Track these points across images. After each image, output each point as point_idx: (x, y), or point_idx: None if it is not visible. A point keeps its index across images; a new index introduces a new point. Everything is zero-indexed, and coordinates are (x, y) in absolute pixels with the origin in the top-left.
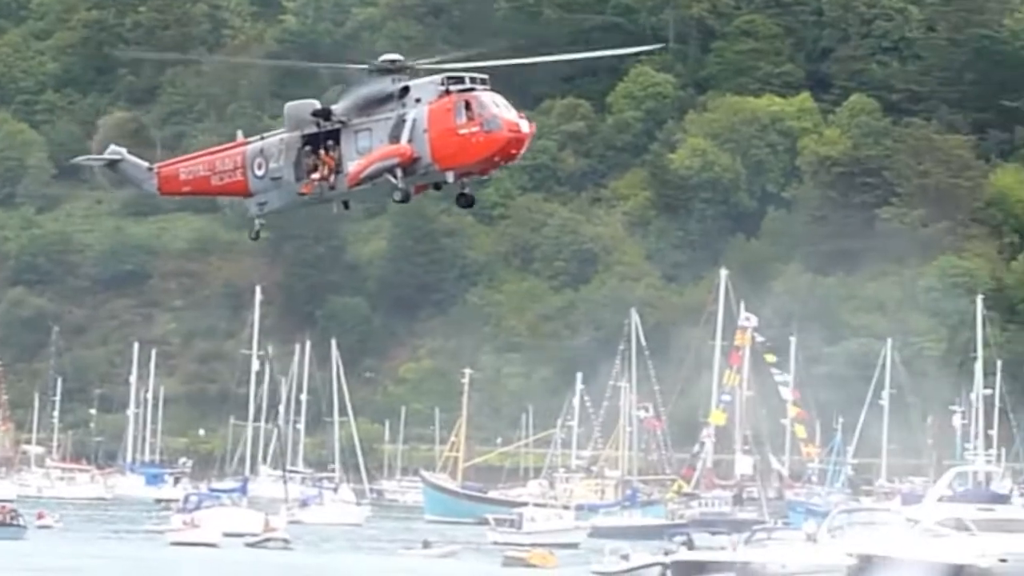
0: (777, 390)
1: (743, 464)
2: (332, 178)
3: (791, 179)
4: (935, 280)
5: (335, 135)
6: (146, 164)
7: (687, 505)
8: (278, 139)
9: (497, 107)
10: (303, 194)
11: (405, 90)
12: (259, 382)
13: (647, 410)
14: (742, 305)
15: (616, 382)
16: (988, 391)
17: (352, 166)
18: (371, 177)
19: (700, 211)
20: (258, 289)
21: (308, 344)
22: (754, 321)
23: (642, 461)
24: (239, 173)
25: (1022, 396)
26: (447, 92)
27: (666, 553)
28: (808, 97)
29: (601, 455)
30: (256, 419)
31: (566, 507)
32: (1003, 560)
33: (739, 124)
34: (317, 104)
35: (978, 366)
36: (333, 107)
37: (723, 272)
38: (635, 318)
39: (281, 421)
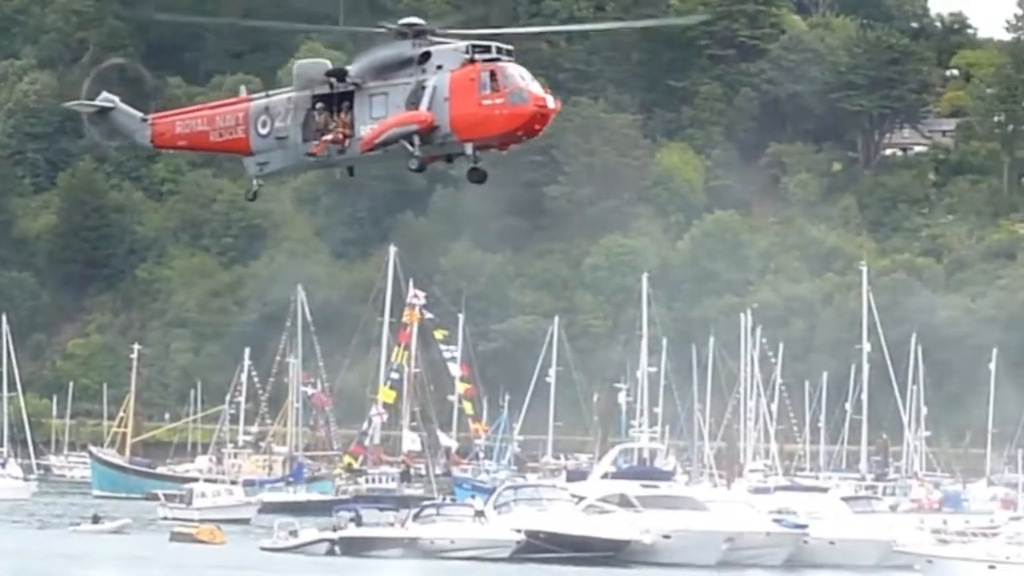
0: (445, 367)
1: (411, 441)
2: (344, 142)
3: None
4: (602, 258)
5: (348, 97)
6: (140, 115)
7: (354, 481)
8: (285, 98)
9: (523, 80)
10: (312, 155)
11: (426, 56)
12: None
13: (314, 386)
14: (411, 282)
15: (283, 358)
16: (653, 369)
17: (366, 131)
18: (386, 143)
19: (370, 188)
20: None
21: None
22: (422, 298)
23: (310, 437)
24: (240, 130)
25: (687, 374)
26: (472, 61)
27: (334, 529)
28: None
29: (269, 431)
30: None
31: (234, 482)
32: (667, 536)
33: None
34: (329, 64)
35: (643, 344)
36: (348, 68)
37: (392, 249)
38: (301, 294)
39: None
